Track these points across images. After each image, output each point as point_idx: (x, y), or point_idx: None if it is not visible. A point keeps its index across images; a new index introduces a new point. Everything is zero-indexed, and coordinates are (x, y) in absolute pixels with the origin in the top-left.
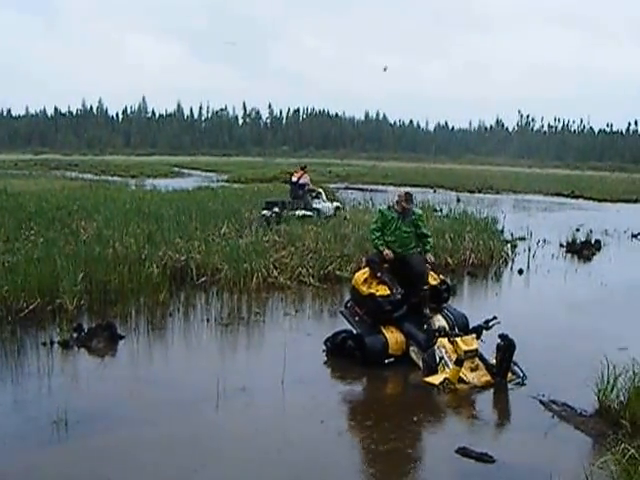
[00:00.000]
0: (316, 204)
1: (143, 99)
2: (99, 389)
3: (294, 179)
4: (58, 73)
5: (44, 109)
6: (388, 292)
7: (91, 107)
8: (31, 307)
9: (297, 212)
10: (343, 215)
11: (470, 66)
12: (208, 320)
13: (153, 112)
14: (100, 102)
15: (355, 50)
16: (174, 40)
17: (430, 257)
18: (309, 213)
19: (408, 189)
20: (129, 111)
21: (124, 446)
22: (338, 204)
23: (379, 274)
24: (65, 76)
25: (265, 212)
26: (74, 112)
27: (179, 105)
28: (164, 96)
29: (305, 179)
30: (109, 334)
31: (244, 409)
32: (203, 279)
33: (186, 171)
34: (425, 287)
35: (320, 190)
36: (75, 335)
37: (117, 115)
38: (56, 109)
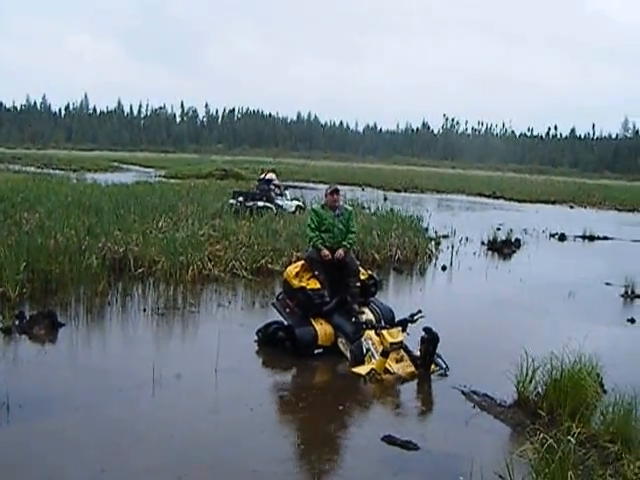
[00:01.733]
0: (279, 200)
1: (85, 96)
2: (40, 374)
3: (262, 176)
4: (2, 70)
5: None
6: (319, 286)
7: (35, 103)
8: None
9: (259, 203)
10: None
11: (396, 70)
12: (145, 310)
13: (94, 109)
14: (44, 98)
15: (285, 52)
16: (111, 40)
17: (340, 251)
18: (270, 205)
19: (337, 186)
20: (71, 107)
21: (63, 429)
22: (299, 203)
23: (316, 272)
24: (9, 73)
25: (232, 201)
26: (18, 107)
27: (119, 102)
28: (105, 94)
29: (271, 175)
30: (50, 322)
31: (178, 395)
32: (141, 270)
33: (125, 166)
34: (357, 283)
35: (287, 188)
36: (17, 322)
37: (60, 111)
38: (0, 104)
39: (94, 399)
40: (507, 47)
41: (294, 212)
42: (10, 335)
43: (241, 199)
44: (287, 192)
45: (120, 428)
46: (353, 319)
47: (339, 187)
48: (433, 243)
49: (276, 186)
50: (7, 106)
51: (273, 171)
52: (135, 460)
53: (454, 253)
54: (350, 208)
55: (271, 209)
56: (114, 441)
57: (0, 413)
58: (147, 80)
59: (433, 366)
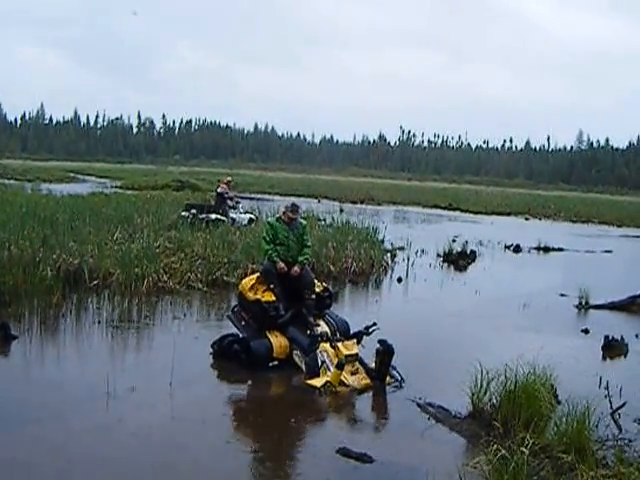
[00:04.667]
0: (232, 213)
1: (41, 105)
2: None
3: (219, 190)
4: None
5: None
6: (273, 298)
7: None
8: None
9: (211, 216)
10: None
11: (350, 82)
12: (99, 322)
13: (51, 118)
14: None
15: (233, 63)
16: (62, 50)
17: (295, 268)
18: (222, 218)
19: (294, 199)
20: (27, 117)
21: (14, 443)
22: (252, 216)
23: (272, 285)
24: None
25: (184, 213)
26: None
27: (76, 112)
28: (61, 104)
29: (223, 188)
30: (3, 334)
31: (133, 408)
32: (96, 282)
33: (81, 177)
34: (312, 296)
35: (240, 202)
36: None
37: (15, 120)
38: None
39: (47, 413)
40: (460, 61)
41: (247, 225)
42: None
43: (194, 211)
44: (240, 205)
45: (73, 441)
46: (308, 331)
47: (298, 204)
48: (389, 255)
49: (229, 198)
50: None
51: (228, 182)
52: (87, 473)
53: (410, 265)
54: (304, 222)
55: (223, 222)
56: (67, 454)
57: None
58: (100, 91)
59: (388, 378)
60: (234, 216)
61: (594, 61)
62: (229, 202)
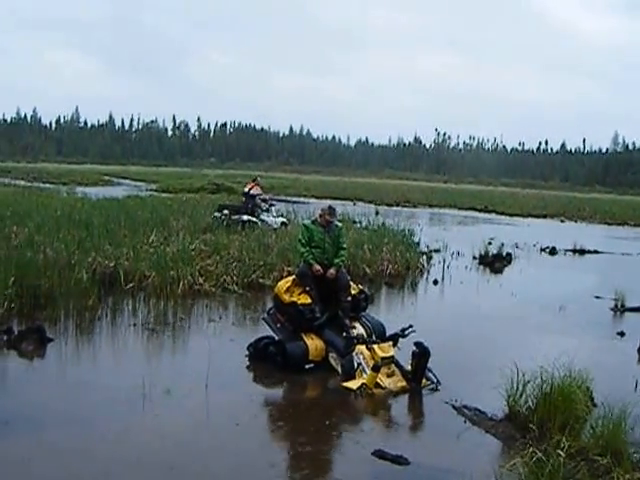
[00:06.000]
0: (265, 216)
1: (76, 109)
2: (27, 391)
3: (246, 190)
4: None
5: None
6: (309, 301)
7: (25, 116)
8: None
9: (243, 217)
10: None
11: (384, 85)
12: (135, 325)
13: (85, 122)
14: (34, 111)
15: (266, 67)
16: (95, 54)
17: (331, 271)
18: (254, 219)
19: (329, 202)
20: (62, 120)
21: (51, 445)
22: (285, 220)
23: (308, 287)
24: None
25: (217, 214)
26: (8, 120)
27: (110, 116)
28: (96, 107)
29: (257, 190)
30: (38, 337)
31: (168, 411)
32: (131, 285)
33: (116, 180)
34: (348, 298)
35: (273, 204)
36: (5, 338)
37: (50, 124)
38: None
39: (83, 415)
40: (493, 63)
41: (279, 228)
42: None
43: (226, 212)
44: (273, 208)
45: (109, 443)
46: (344, 334)
47: (335, 207)
48: (425, 257)
49: (263, 200)
50: None
51: (254, 180)
52: (123, 476)
53: (446, 267)
54: (340, 224)
55: (256, 224)
56: (102, 455)
57: None
58: (133, 94)
59: (424, 380)
60: (266, 219)
61: (630, 63)
62: (263, 205)
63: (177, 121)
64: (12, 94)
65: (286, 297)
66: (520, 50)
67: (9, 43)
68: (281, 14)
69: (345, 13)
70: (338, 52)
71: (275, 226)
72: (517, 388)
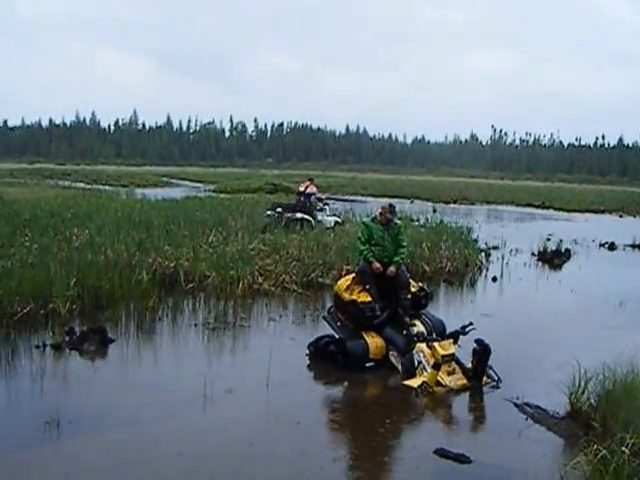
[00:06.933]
0: (319, 216)
1: (134, 112)
2: (90, 391)
3: (301, 189)
4: (52, 87)
5: (39, 120)
6: (369, 299)
7: (84, 119)
8: (25, 311)
9: (297, 214)
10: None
11: (438, 82)
12: (196, 325)
13: (143, 124)
14: (93, 114)
15: (318, 66)
16: (149, 56)
17: (391, 268)
18: (308, 218)
19: (387, 200)
20: (120, 123)
21: (114, 445)
22: (338, 219)
23: (367, 286)
24: (58, 90)
25: (269, 212)
26: (68, 124)
27: (168, 118)
28: (153, 109)
29: (312, 189)
30: (100, 338)
31: (230, 411)
32: (191, 285)
33: (175, 181)
34: (408, 296)
35: (327, 203)
36: (67, 338)
37: (109, 127)
38: (51, 121)
39: (145, 415)
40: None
41: (332, 227)
42: (60, 351)
43: (279, 210)
44: (327, 207)
45: (170, 443)
46: (404, 332)
47: (394, 205)
48: (483, 254)
49: (319, 199)
50: (57, 122)
51: (311, 180)
52: (190, 474)
53: (504, 264)
54: (400, 222)
55: (309, 222)
56: (164, 456)
57: (51, 429)
58: (192, 96)
59: (485, 378)
60: (320, 218)
61: None
62: (319, 204)
63: (234, 122)
64: (71, 97)
65: (346, 295)
66: (574, 45)
67: (64, 45)
68: (326, 12)
69: (389, 8)
70: (390, 49)
71: (329, 225)
72: (579, 385)
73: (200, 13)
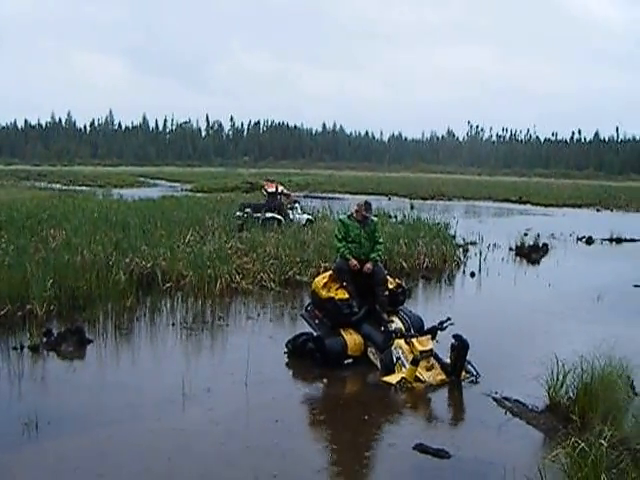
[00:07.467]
0: (291, 214)
1: (110, 112)
2: (68, 392)
3: (269, 190)
4: (27, 88)
5: (14, 121)
6: (347, 296)
7: (60, 120)
8: (1, 312)
9: (267, 214)
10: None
11: (413, 79)
12: (173, 324)
13: (119, 124)
14: (69, 115)
15: (293, 65)
16: (122, 56)
17: (368, 265)
18: (278, 217)
19: (364, 197)
20: (96, 123)
21: (92, 446)
22: (310, 217)
23: (345, 283)
24: (33, 91)
25: (238, 213)
26: (43, 124)
27: (144, 118)
28: (129, 110)
29: (275, 188)
30: (78, 338)
31: (208, 409)
32: (168, 285)
33: (151, 181)
34: (386, 292)
35: (298, 201)
36: (45, 340)
37: (85, 127)
38: (26, 121)
39: (125, 415)
40: (521, 55)
41: (305, 225)
42: (38, 353)
43: (248, 210)
44: (297, 205)
45: (151, 442)
46: (382, 328)
47: (370, 202)
48: (461, 250)
49: (285, 195)
50: (32, 123)
51: (272, 181)
52: (170, 472)
53: (482, 259)
54: (376, 219)
55: (280, 221)
56: (146, 455)
57: (29, 430)
58: (167, 95)
59: (464, 373)
60: (291, 216)
61: None
62: (287, 203)
63: (210, 121)
64: (46, 99)
65: (324, 293)
66: (549, 42)
67: (39, 47)
68: (299, 11)
69: (361, 7)
70: (366, 47)
71: (302, 222)
72: (557, 379)
73: (175, 13)
